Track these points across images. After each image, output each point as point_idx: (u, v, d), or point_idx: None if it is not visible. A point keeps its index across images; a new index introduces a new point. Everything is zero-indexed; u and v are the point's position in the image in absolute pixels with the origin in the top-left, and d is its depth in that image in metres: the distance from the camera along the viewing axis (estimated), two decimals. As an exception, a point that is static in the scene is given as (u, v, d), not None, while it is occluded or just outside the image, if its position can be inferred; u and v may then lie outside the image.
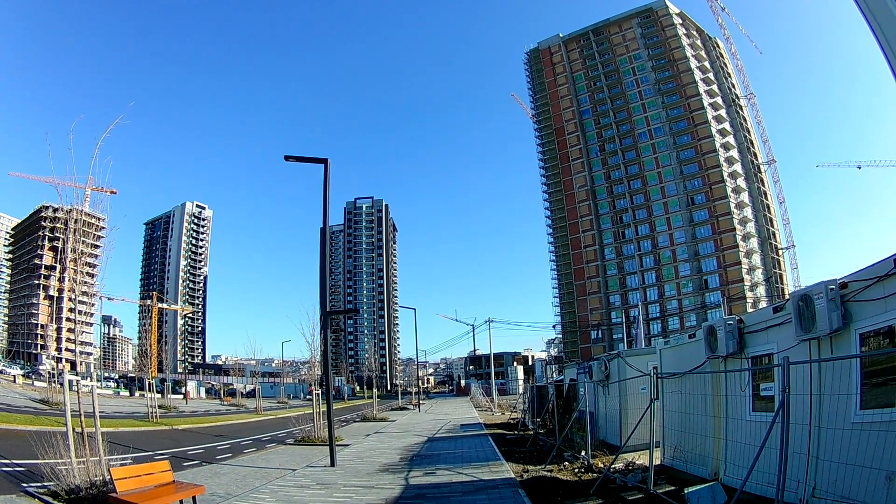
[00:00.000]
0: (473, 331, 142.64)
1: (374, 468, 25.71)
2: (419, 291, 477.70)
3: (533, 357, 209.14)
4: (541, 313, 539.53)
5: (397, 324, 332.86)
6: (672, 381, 18.40)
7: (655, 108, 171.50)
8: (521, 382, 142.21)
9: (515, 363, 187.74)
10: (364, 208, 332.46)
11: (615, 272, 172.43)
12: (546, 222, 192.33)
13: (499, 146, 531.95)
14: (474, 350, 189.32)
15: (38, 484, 18.61)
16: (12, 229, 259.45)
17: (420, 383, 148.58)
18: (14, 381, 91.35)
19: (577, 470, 21.55)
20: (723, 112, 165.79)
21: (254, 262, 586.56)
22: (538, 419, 40.78)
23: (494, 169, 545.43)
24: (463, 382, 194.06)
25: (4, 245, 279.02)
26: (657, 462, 17.07)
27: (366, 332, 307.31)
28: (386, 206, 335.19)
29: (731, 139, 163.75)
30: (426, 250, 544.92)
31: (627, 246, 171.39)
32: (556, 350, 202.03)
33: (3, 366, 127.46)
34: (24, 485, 18.84)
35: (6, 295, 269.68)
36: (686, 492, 13.99)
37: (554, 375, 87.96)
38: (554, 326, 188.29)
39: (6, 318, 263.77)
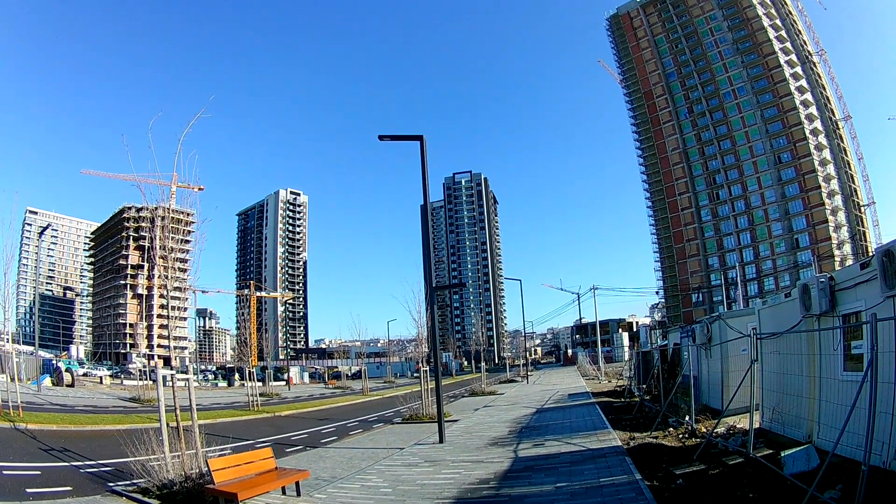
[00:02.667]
0: (578, 299, 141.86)
1: (483, 442, 25.87)
2: (523, 262, 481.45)
3: (637, 323, 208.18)
4: (644, 278, 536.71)
5: (503, 296, 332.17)
6: (770, 341, 18.22)
7: (736, 68, 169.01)
8: (626, 349, 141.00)
9: (620, 330, 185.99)
10: (463, 183, 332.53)
11: (712, 234, 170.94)
12: (643, 186, 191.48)
13: (590, 114, 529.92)
14: (580, 318, 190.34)
15: (127, 482, 18.90)
16: (92, 233, 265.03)
17: (528, 355, 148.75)
18: (101, 383, 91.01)
19: (681, 436, 21.57)
20: (798, 69, 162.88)
21: (354, 244, 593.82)
22: (643, 385, 40.50)
23: (588, 137, 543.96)
24: (570, 352, 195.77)
25: (85, 249, 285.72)
26: (756, 425, 16.97)
27: (472, 305, 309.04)
28: (485, 179, 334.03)
29: (808, 96, 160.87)
30: (526, 222, 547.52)
31: (722, 207, 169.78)
32: (659, 315, 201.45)
33: (90, 368, 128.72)
34: (111, 484, 19.13)
35: (90, 298, 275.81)
36: (782, 455, 13.87)
37: (658, 341, 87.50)
38: (657, 292, 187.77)
39: (91, 321, 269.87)
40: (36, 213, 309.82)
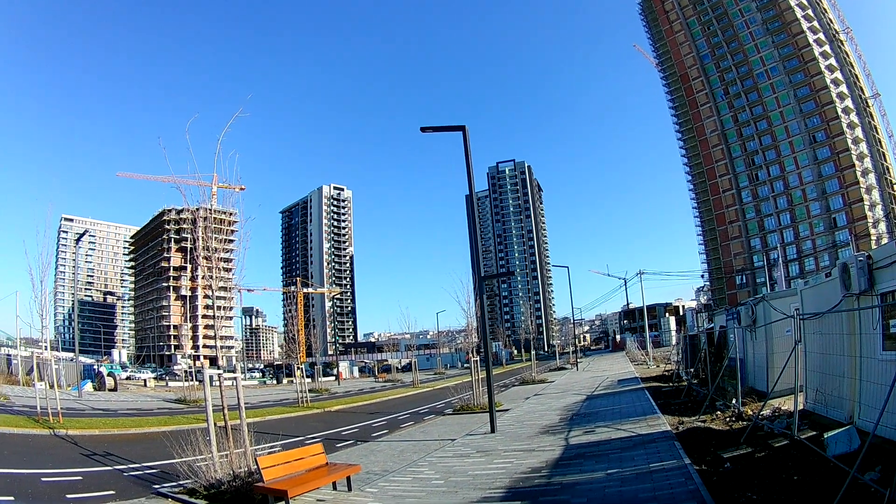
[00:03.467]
0: (625, 284, 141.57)
1: (534, 431, 25.98)
2: (569, 249, 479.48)
3: (683, 307, 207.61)
4: (689, 262, 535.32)
5: (551, 284, 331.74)
6: (812, 322, 18.24)
7: (767, 48, 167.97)
8: (673, 333, 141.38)
9: (667, 314, 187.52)
10: (507, 172, 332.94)
11: (753, 215, 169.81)
12: (684, 169, 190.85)
13: (629, 98, 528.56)
14: (627, 304, 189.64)
15: (172, 484, 19.02)
16: (131, 237, 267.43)
17: (577, 341, 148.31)
18: (145, 385, 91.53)
19: (728, 419, 21.62)
20: (827, 48, 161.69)
21: (401, 237, 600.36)
22: (691, 369, 40.63)
23: (627, 120, 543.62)
24: (618, 337, 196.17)
25: (125, 254, 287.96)
26: (800, 407, 17.06)
27: (520, 294, 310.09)
28: (528, 167, 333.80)
29: (838, 74, 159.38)
30: (571, 208, 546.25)
31: (762, 188, 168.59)
32: (705, 298, 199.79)
33: (133, 371, 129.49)
34: (156, 486, 19.21)
35: (131, 302, 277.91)
36: (825, 437, 13.93)
37: (704, 324, 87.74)
38: (702, 275, 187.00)
39: (133, 324, 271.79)
40: (71, 220, 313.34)
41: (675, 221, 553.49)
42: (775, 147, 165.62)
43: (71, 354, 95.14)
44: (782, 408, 20.18)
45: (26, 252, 36.53)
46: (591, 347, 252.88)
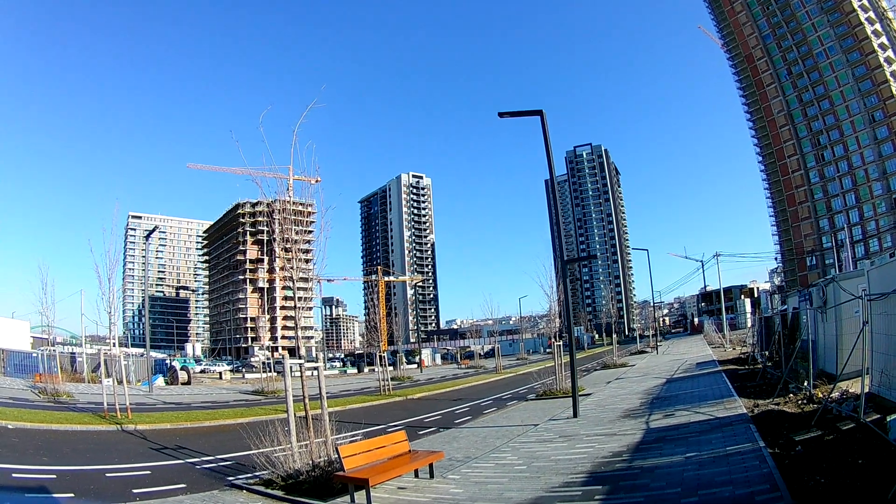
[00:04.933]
0: (703, 266, 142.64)
1: (616, 415, 26.49)
2: (647, 233, 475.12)
3: (758, 289, 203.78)
4: (762, 243, 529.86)
5: (631, 267, 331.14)
6: (879, 302, 18.22)
7: (824, 27, 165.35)
8: (749, 316, 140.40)
9: (743, 296, 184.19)
10: (584, 156, 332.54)
11: (821, 196, 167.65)
12: (755, 150, 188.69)
13: (696, 80, 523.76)
14: (704, 286, 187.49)
15: (248, 475, 19.49)
16: (204, 231, 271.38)
17: (657, 324, 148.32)
18: (220, 378, 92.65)
19: (799, 402, 21.70)
20: (878, 26, 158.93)
21: (481, 223, 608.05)
22: (766, 352, 40.74)
23: (696, 102, 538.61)
24: (696, 320, 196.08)
25: (198, 248, 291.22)
26: (867, 389, 17.11)
27: (601, 278, 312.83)
28: (605, 150, 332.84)
29: (890, 53, 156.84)
30: (645, 191, 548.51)
31: (828, 168, 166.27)
32: (778, 280, 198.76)
33: (208, 364, 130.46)
34: (230, 478, 19.46)
35: (206, 296, 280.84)
36: (888, 420, 14.06)
37: (777, 306, 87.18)
38: (775, 257, 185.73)
39: (208, 318, 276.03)
40: (140, 217, 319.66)
41: (747, 202, 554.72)
42: (838, 127, 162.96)
43: (141, 350, 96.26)
44: (850, 390, 20.10)
45: (92, 250, 37.18)
46: (672, 330, 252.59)
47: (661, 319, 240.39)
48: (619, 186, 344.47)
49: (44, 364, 57.73)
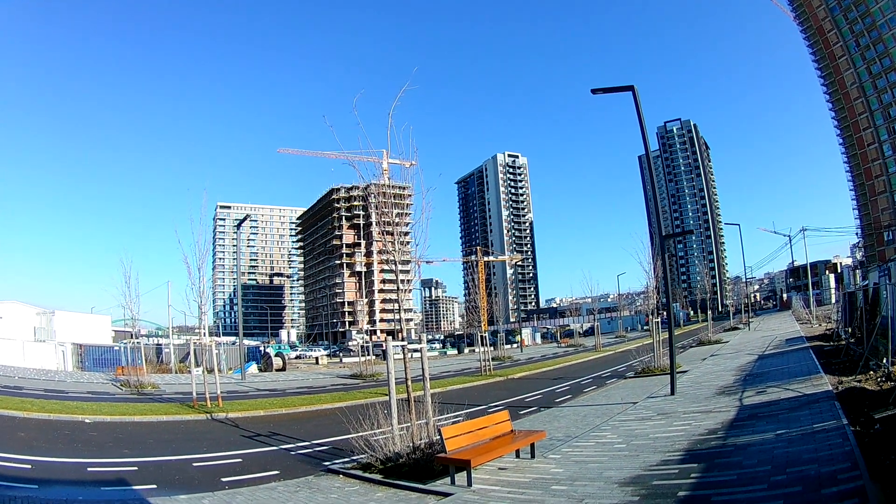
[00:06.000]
0: (790, 242, 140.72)
1: (711, 392, 26.79)
2: (735, 207, 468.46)
3: (841, 264, 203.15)
4: (846, 217, 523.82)
5: (723, 243, 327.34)
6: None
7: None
8: (833, 291, 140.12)
9: (827, 272, 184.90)
10: (675, 131, 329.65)
11: (895, 169, 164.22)
12: (833, 124, 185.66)
13: (767, 52, 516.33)
14: (792, 262, 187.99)
15: (345, 459, 19.66)
16: (298, 218, 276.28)
17: (748, 300, 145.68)
18: (317, 363, 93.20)
19: (879, 379, 21.63)
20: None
21: (577, 201, 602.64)
22: (848, 328, 40.87)
23: (767, 75, 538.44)
24: (785, 296, 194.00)
25: (292, 235, 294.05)
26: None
27: (695, 254, 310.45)
28: (694, 125, 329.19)
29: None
30: (729, 167, 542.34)
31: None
32: (859, 255, 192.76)
33: (304, 350, 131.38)
34: (326, 463, 19.62)
35: (301, 282, 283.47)
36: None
37: (858, 281, 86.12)
38: (856, 232, 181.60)
39: (304, 304, 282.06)
40: (229, 207, 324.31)
41: (828, 176, 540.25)
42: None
43: (233, 338, 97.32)
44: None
45: (179, 241, 38.56)
46: (762, 306, 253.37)
47: (752, 295, 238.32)
48: (709, 161, 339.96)
49: (126, 357, 58.96)
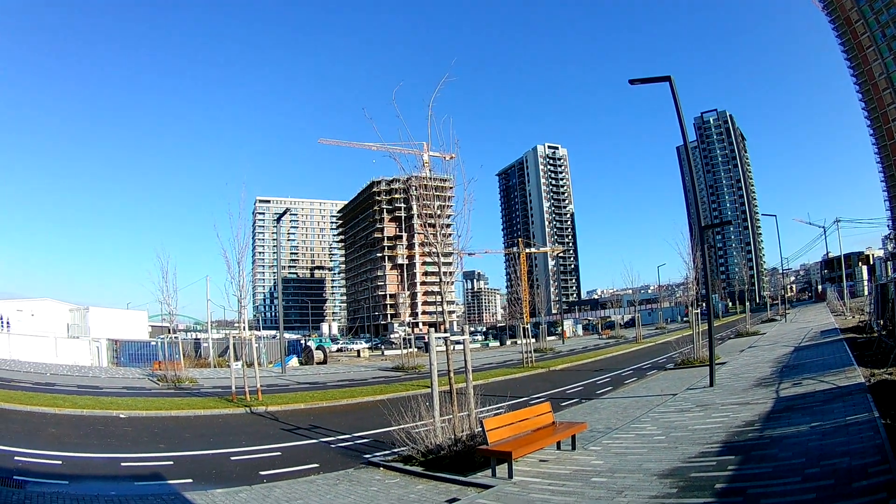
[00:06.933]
0: (825, 233, 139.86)
1: (749, 384, 26.88)
2: (770, 199, 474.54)
3: (873, 256, 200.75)
4: (878, 209, 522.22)
5: (760, 234, 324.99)
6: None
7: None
8: (866, 283, 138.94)
9: (860, 263, 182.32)
10: (711, 121, 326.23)
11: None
12: (863, 115, 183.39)
13: (793, 43, 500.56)
14: (826, 254, 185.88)
15: (385, 452, 19.71)
16: (339, 211, 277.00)
17: (784, 292, 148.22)
18: (359, 356, 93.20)
19: (906, 372, 21.02)
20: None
21: (617, 192, 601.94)
22: (881, 320, 40.38)
23: (794, 66, 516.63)
24: (819, 288, 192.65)
25: (333, 228, 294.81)
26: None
27: (733, 245, 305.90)
28: (730, 116, 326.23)
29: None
30: (762, 158, 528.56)
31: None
32: (891, 246, 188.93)
33: (345, 342, 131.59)
34: (367, 456, 19.53)
35: (342, 275, 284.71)
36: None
37: (890, 273, 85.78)
38: (888, 224, 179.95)
39: (345, 297, 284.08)
40: (268, 201, 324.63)
41: (861, 167, 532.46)
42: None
43: (274, 332, 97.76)
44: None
45: (218, 235, 38.17)
46: (798, 298, 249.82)
47: (788, 286, 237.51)
48: (745, 152, 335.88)
49: (163, 352, 58.26)
